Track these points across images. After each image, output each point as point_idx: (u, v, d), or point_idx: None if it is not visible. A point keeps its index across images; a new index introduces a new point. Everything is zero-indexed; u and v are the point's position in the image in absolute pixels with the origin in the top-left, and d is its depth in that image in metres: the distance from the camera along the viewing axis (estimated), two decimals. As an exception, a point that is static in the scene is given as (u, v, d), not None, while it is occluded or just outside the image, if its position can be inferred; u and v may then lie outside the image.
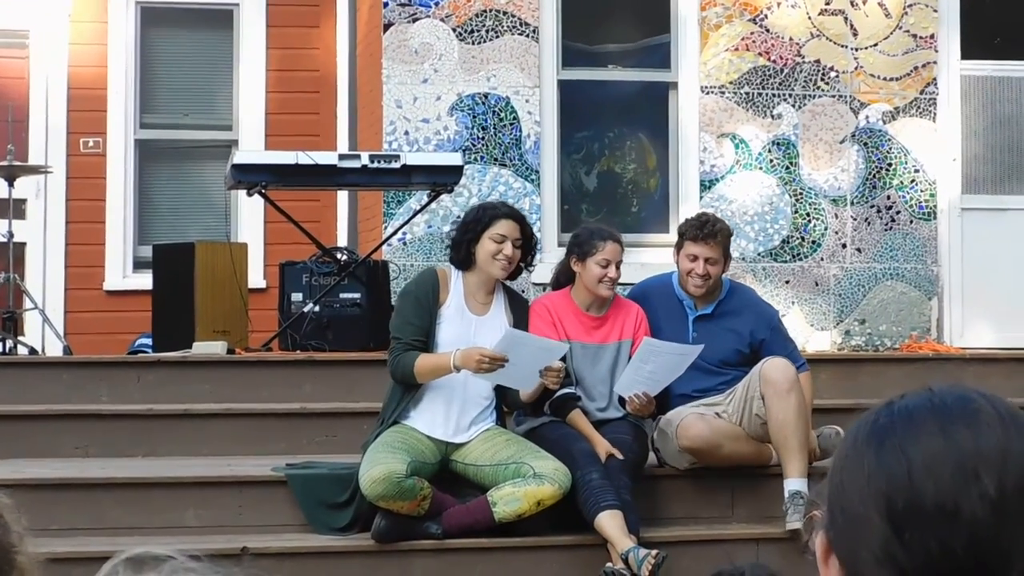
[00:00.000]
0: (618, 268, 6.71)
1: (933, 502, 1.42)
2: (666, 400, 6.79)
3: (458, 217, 7.41)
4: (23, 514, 1.98)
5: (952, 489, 1.42)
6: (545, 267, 7.84)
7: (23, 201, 10.59)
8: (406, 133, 9.55)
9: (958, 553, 1.41)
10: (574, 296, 6.79)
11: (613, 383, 6.66)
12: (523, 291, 7.17)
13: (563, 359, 6.38)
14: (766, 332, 6.92)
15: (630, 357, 6.61)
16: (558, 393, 6.50)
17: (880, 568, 1.43)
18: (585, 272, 6.71)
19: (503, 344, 6.21)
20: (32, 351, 9.05)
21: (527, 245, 6.53)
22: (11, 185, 9.28)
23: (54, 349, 9.48)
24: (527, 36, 9.69)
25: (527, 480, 6.21)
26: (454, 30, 9.62)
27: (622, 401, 6.63)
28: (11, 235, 9.26)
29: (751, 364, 6.79)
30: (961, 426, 1.46)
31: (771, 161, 9.89)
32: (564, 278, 6.88)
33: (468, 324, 6.47)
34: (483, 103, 9.64)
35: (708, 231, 6.83)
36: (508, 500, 6.22)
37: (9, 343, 8.99)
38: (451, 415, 6.44)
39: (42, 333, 9.70)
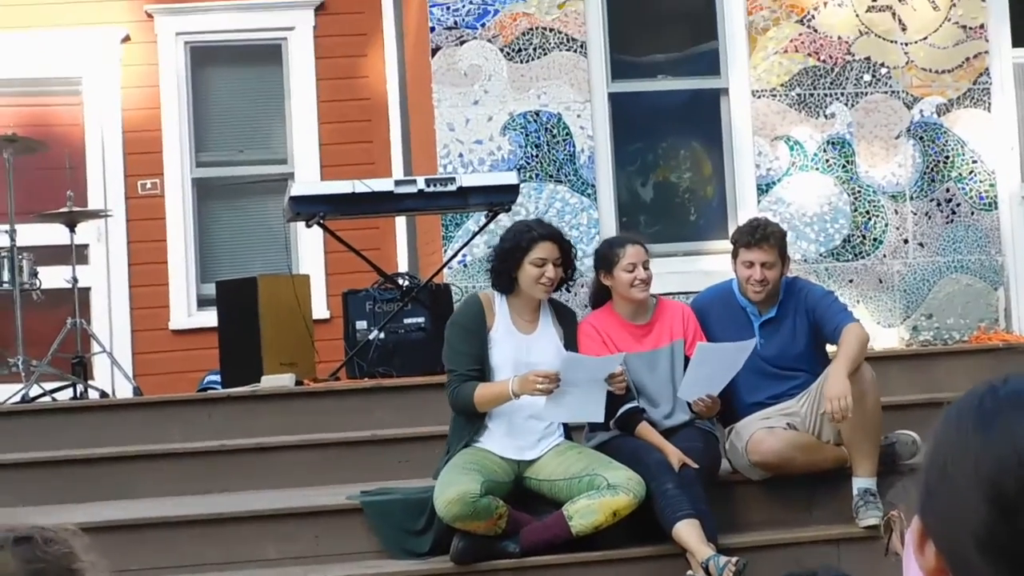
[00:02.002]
0: (646, 268, 6.69)
1: None
2: (737, 408, 6.77)
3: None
4: (103, 556, 1.98)
5: None
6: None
7: (85, 246, 10.67)
8: (460, 155, 9.56)
9: None
10: (616, 309, 6.78)
11: (675, 385, 6.64)
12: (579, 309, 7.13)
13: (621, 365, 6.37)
14: (815, 307, 6.81)
15: (685, 356, 6.61)
16: (621, 409, 6.50)
17: (983, 553, 1.41)
18: (616, 283, 6.70)
19: (559, 369, 6.22)
20: (103, 394, 9.11)
21: (566, 259, 6.51)
22: (72, 231, 9.36)
23: (124, 391, 9.54)
24: (575, 51, 9.69)
25: (601, 491, 6.20)
26: (502, 50, 9.63)
27: (688, 404, 6.61)
28: (75, 280, 9.33)
29: (823, 347, 6.76)
30: None
31: (827, 161, 9.84)
32: (600, 296, 6.86)
33: (519, 344, 6.46)
34: (535, 121, 9.64)
35: (760, 235, 6.77)
36: (584, 513, 6.20)
37: (80, 388, 9.06)
38: (518, 433, 6.44)
39: (111, 376, 9.77)
